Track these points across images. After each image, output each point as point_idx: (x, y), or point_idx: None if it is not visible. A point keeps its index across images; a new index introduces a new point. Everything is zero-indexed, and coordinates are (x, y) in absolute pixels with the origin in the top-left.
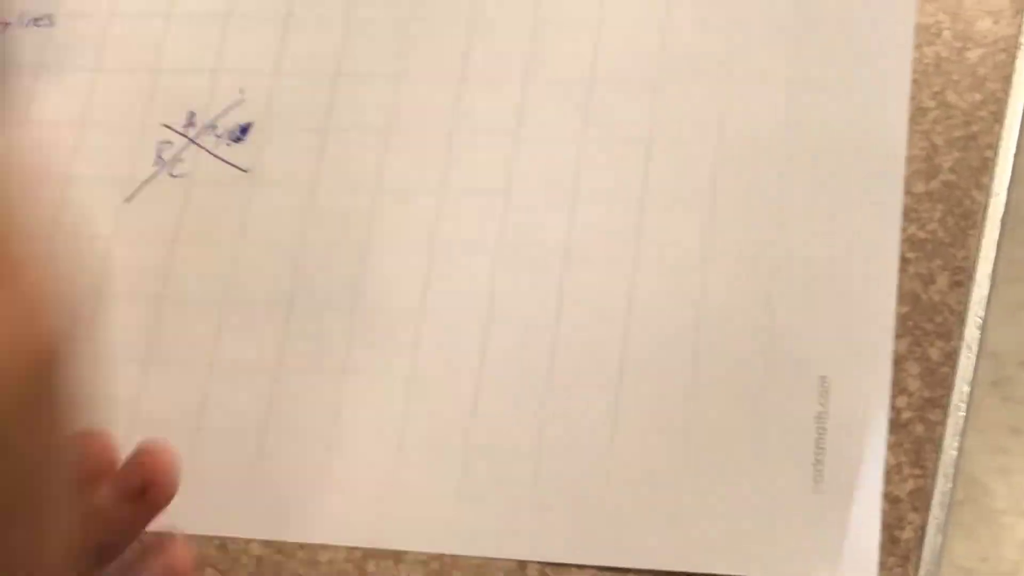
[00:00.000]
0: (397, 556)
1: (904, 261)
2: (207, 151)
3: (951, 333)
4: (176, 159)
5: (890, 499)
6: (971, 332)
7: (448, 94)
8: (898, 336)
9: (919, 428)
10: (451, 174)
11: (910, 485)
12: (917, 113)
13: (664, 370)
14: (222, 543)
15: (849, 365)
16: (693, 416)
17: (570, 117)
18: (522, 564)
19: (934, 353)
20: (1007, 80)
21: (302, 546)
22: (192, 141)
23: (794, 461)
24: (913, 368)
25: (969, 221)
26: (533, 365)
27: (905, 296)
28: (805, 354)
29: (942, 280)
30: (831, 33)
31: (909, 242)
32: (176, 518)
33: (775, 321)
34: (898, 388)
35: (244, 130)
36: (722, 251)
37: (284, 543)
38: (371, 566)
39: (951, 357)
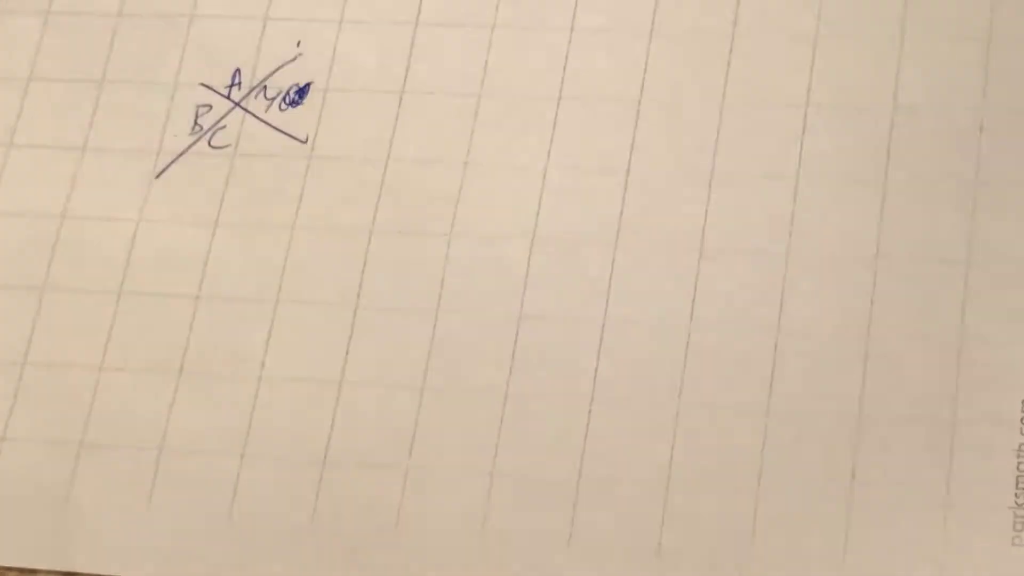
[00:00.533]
0: None
1: None
2: (256, 117)
3: None
4: (217, 127)
5: None
6: None
7: (556, 48)
8: None
9: None
10: (559, 148)
11: None
12: None
13: (826, 388)
14: None
15: None
16: (862, 447)
17: (706, 78)
18: None
19: None
20: None
21: None
22: (237, 105)
23: (989, 505)
24: None
25: None
26: (660, 381)
27: None
28: (1003, 373)
29: None
30: None
31: None
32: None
33: (966, 332)
34: None
35: (302, 92)
36: (899, 245)
37: None
38: None
39: None
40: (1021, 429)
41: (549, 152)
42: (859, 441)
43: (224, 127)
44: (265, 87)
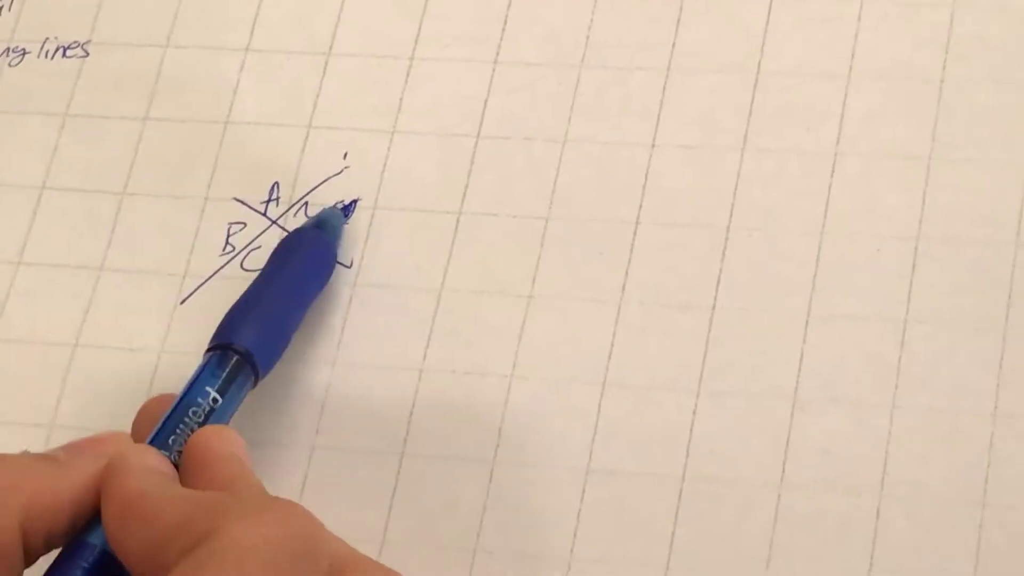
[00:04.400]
0: None
1: None
2: None
3: None
4: (251, 247)
5: None
6: None
7: (636, 165)
8: None
9: None
10: (635, 279)
11: None
12: None
13: (936, 560)
14: None
15: None
16: None
17: (805, 203)
18: None
19: None
20: None
21: None
22: (274, 223)
23: None
24: None
25: None
26: (745, 549)
27: None
28: None
29: None
30: None
31: None
32: None
33: None
34: None
35: (347, 210)
36: (1021, 400)
37: None
38: None
39: None
40: None
41: (624, 285)
42: None
43: (259, 247)
44: (306, 203)
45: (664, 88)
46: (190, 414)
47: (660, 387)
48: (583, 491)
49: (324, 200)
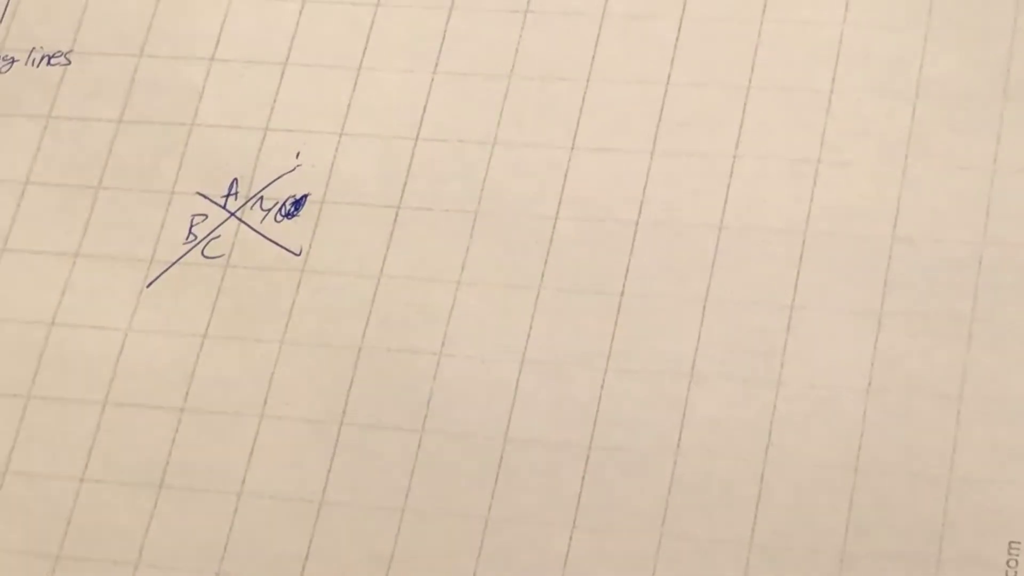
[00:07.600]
0: None
1: None
2: (251, 228)
3: None
4: (211, 236)
5: None
6: None
7: (556, 167)
8: None
9: None
10: (553, 268)
11: None
12: None
13: (811, 521)
14: None
15: None
16: None
17: (706, 200)
18: None
19: None
20: None
21: None
22: (232, 215)
23: None
24: None
25: None
26: (643, 509)
27: None
28: (991, 513)
29: None
30: None
31: None
32: None
33: (955, 470)
34: None
35: (298, 203)
36: (892, 378)
37: None
38: None
39: None
40: (1006, 572)
41: (543, 272)
42: None
43: (218, 237)
44: (262, 197)
45: (583, 97)
46: None
47: (572, 364)
48: (501, 457)
49: (278, 194)
